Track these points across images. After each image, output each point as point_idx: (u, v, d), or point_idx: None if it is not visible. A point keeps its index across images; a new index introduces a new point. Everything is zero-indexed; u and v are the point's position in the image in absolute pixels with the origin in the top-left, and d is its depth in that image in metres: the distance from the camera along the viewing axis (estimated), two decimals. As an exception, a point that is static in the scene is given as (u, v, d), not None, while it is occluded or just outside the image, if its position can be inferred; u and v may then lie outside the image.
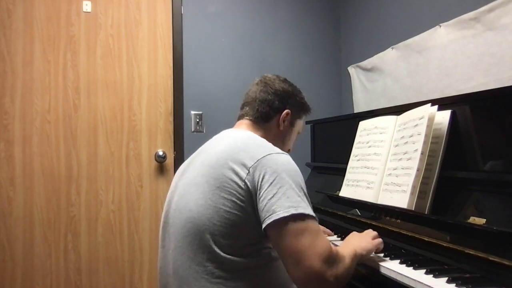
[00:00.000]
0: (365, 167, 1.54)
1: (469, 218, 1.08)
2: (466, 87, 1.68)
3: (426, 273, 1.01)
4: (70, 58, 2.26)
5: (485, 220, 1.03)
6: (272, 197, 0.96)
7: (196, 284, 1.00)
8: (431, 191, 1.21)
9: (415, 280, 0.98)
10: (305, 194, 1.00)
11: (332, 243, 1.38)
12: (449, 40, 1.78)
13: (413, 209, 1.22)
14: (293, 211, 0.94)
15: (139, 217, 2.35)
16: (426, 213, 1.21)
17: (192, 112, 2.46)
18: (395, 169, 1.35)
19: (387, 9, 2.30)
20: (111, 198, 2.30)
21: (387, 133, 1.48)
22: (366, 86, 2.45)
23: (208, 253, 1.00)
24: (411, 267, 1.07)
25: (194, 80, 2.46)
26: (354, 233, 1.22)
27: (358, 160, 1.61)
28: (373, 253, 1.18)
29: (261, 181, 0.98)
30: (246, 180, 0.99)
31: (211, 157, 1.08)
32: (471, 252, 1.01)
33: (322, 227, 1.44)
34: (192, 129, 2.45)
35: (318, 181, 2.08)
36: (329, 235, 1.47)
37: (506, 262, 0.91)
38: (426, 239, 1.16)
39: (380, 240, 1.19)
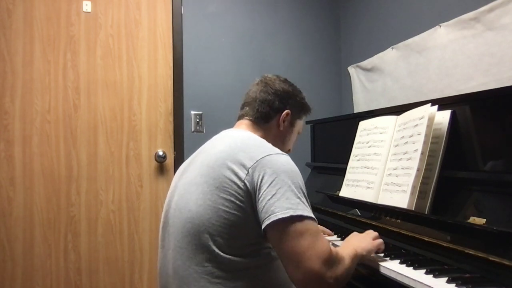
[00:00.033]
0: (365, 167, 1.54)
1: (469, 218, 1.08)
2: (466, 87, 1.67)
3: (426, 273, 1.01)
4: (70, 58, 2.26)
5: (485, 220, 1.03)
6: (271, 198, 0.95)
7: (196, 284, 1.00)
8: (431, 191, 1.21)
9: (415, 280, 0.98)
10: (304, 195, 1.00)
11: (332, 243, 1.38)
12: (449, 40, 1.78)
13: (413, 209, 1.22)
14: (291, 212, 0.94)
15: (139, 217, 2.35)
16: (426, 213, 1.21)
17: (192, 112, 2.46)
18: (395, 169, 1.35)
19: (387, 9, 2.30)
20: (111, 198, 2.31)
21: (387, 133, 1.48)
22: (366, 86, 2.45)
23: (207, 253, 0.99)
24: (411, 267, 1.06)
25: (194, 80, 2.46)
26: (355, 233, 1.22)
27: (358, 160, 1.61)
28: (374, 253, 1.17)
29: (260, 182, 0.98)
30: (245, 181, 0.99)
31: (211, 157, 1.08)
32: (471, 252, 1.01)
33: (322, 227, 1.45)
34: (192, 129, 2.45)
35: (318, 181, 2.08)
36: (329, 235, 1.47)
37: (506, 262, 0.91)
38: (426, 239, 1.16)
39: (380, 240, 1.19)
